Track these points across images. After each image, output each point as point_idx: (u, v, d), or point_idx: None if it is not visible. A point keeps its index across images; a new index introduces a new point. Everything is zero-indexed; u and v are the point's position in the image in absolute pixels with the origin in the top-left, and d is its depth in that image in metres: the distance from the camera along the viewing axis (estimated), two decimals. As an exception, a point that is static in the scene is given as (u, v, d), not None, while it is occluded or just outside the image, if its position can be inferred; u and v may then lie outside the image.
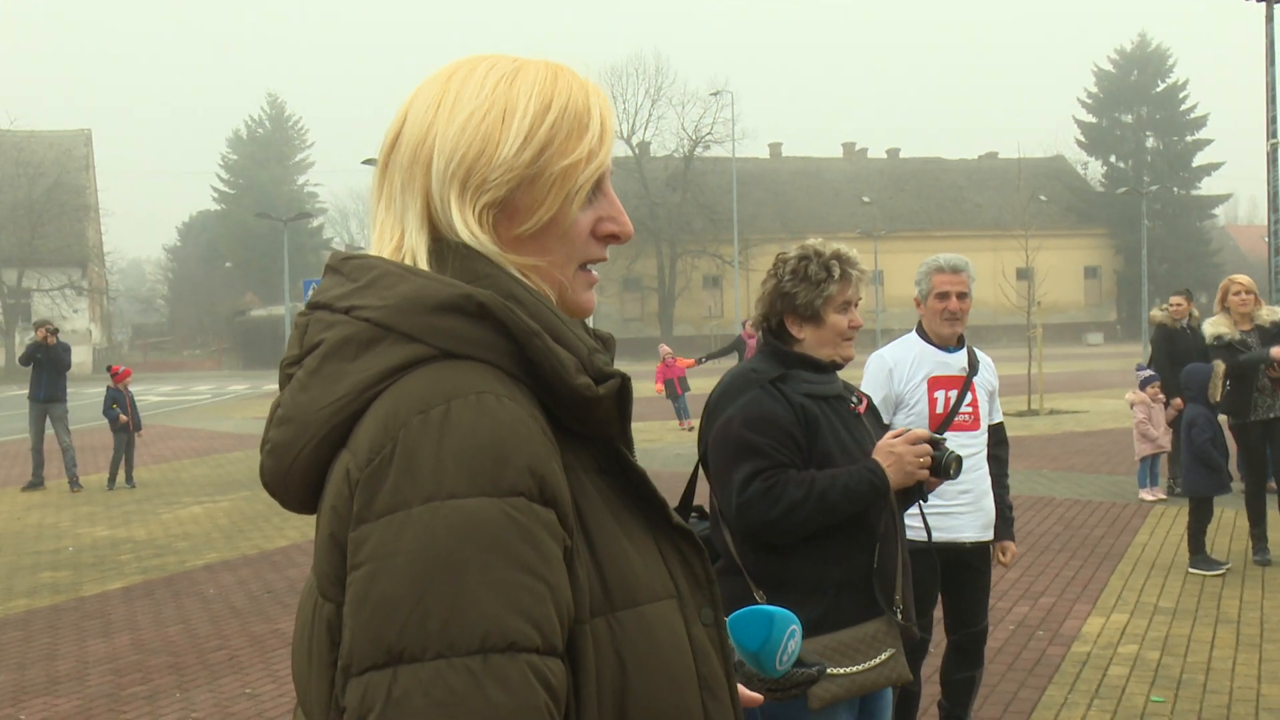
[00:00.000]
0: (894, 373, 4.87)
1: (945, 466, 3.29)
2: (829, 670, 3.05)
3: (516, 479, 1.21)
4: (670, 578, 1.37)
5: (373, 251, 1.40)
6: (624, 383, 1.35)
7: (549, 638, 1.20)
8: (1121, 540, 10.21)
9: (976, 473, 4.87)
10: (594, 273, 1.46)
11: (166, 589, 9.45)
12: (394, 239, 1.38)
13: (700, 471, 3.33)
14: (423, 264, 1.34)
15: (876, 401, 4.88)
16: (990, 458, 4.99)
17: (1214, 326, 9.34)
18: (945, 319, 4.89)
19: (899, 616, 3.27)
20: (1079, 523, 11.12)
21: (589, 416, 1.33)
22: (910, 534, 4.80)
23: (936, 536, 4.82)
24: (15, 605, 9.01)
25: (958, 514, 4.83)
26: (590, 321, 1.51)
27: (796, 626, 1.75)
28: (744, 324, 20.95)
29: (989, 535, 4.97)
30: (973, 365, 4.97)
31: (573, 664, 1.26)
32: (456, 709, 1.14)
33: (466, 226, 1.35)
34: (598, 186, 1.42)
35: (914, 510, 4.84)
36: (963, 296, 4.89)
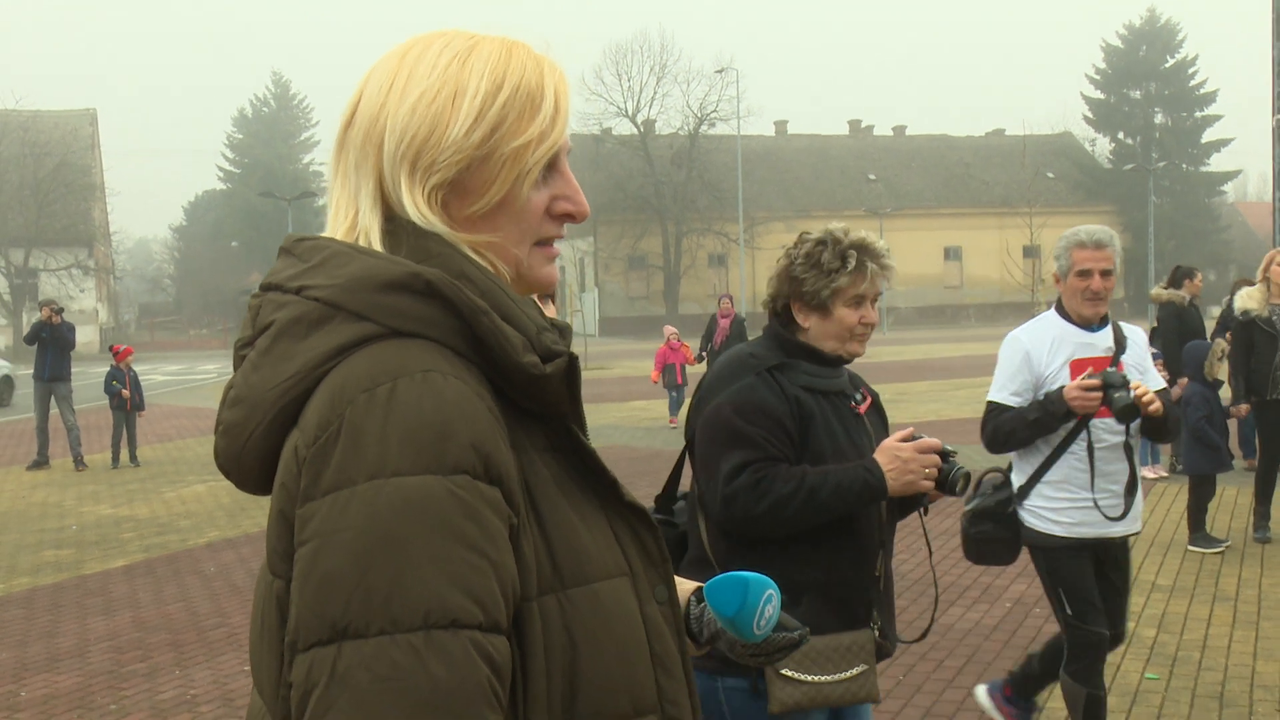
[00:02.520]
0: (1031, 356, 4.57)
1: (952, 482, 3.04)
2: (800, 676, 2.91)
3: (460, 456, 1.22)
4: (623, 556, 1.38)
5: (328, 230, 1.41)
6: (571, 362, 1.35)
7: (492, 614, 1.20)
8: (1122, 517, 10.19)
9: (1121, 463, 4.54)
10: (554, 247, 1.46)
11: (168, 567, 9.49)
12: (348, 218, 1.39)
13: (686, 458, 3.18)
14: (376, 243, 1.35)
15: (1012, 388, 4.57)
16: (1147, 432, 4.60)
17: (1243, 300, 9.14)
18: (1086, 299, 4.53)
19: (876, 633, 3.07)
20: (1080, 500, 11.09)
21: (538, 395, 1.34)
22: (1058, 528, 4.57)
23: (1081, 531, 4.55)
24: (19, 583, 9.06)
25: (1104, 506, 4.53)
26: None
27: (774, 591, 1.76)
28: (720, 300, 19.40)
29: (1137, 527, 4.66)
30: (1120, 343, 4.59)
31: (520, 641, 1.27)
32: (399, 684, 1.15)
33: (416, 207, 1.35)
34: (552, 166, 1.41)
35: (1046, 504, 4.59)
36: (1106, 274, 4.51)
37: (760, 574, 1.76)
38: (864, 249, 3.09)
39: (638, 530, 1.42)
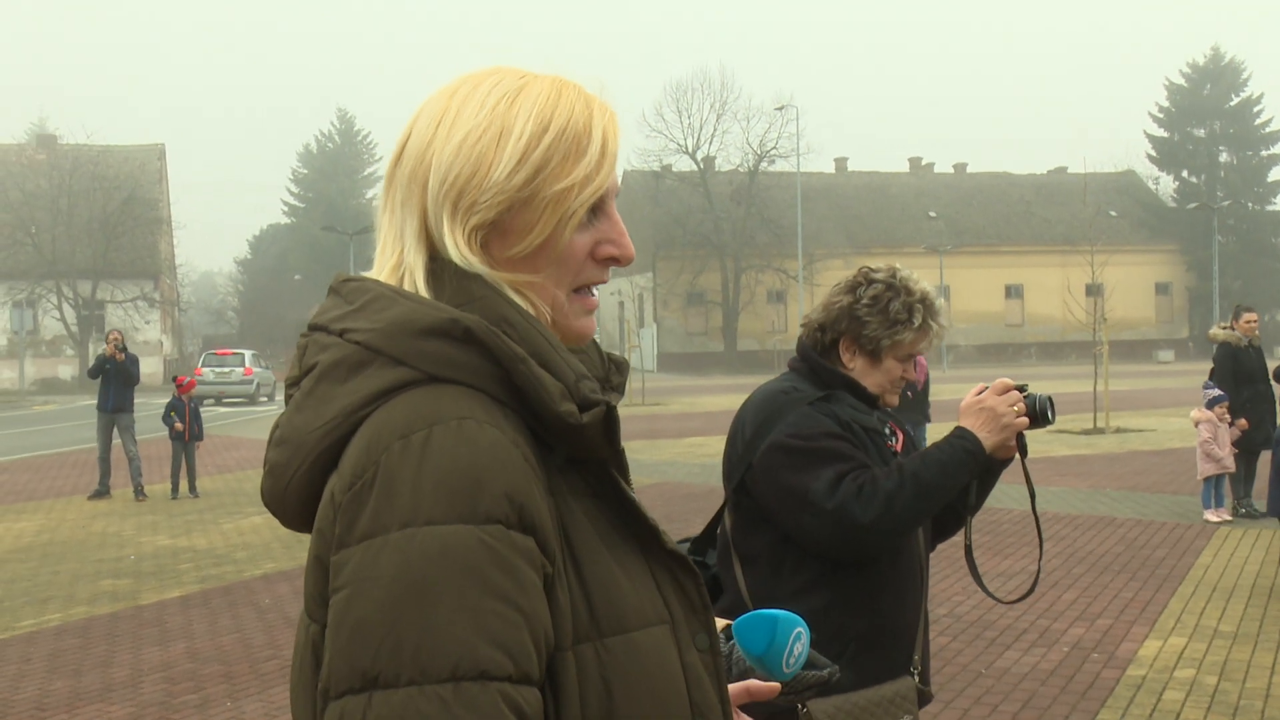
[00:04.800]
0: None
1: (1042, 411, 2.90)
2: None
3: (494, 506, 1.21)
4: (663, 603, 1.36)
5: (375, 266, 1.41)
6: (609, 412, 1.33)
7: (523, 666, 1.19)
8: (1184, 562, 10.03)
9: None
10: (593, 297, 1.44)
11: (223, 598, 9.56)
12: (394, 255, 1.39)
13: (726, 510, 3.05)
14: (420, 282, 1.34)
15: None
16: None
17: None
18: None
19: (916, 679, 2.96)
20: (1140, 543, 10.95)
21: (576, 442, 1.32)
22: None
23: None
24: (76, 612, 9.15)
25: None
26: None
27: (803, 629, 1.74)
28: None
29: None
30: None
31: (555, 691, 1.25)
32: None
33: (456, 247, 1.34)
34: (598, 209, 1.40)
35: None
36: None
37: (789, 611, 1.75)
38: (929, 306, 3.02)
39: (678, 577, 1.39)
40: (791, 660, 1.74)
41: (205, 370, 42.07)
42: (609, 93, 1.44)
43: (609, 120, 1.40)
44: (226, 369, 42.65)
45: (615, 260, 1.43)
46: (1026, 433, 2.97)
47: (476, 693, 1.16)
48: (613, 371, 1.49)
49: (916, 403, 15.91)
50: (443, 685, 1.15)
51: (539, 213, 1.35)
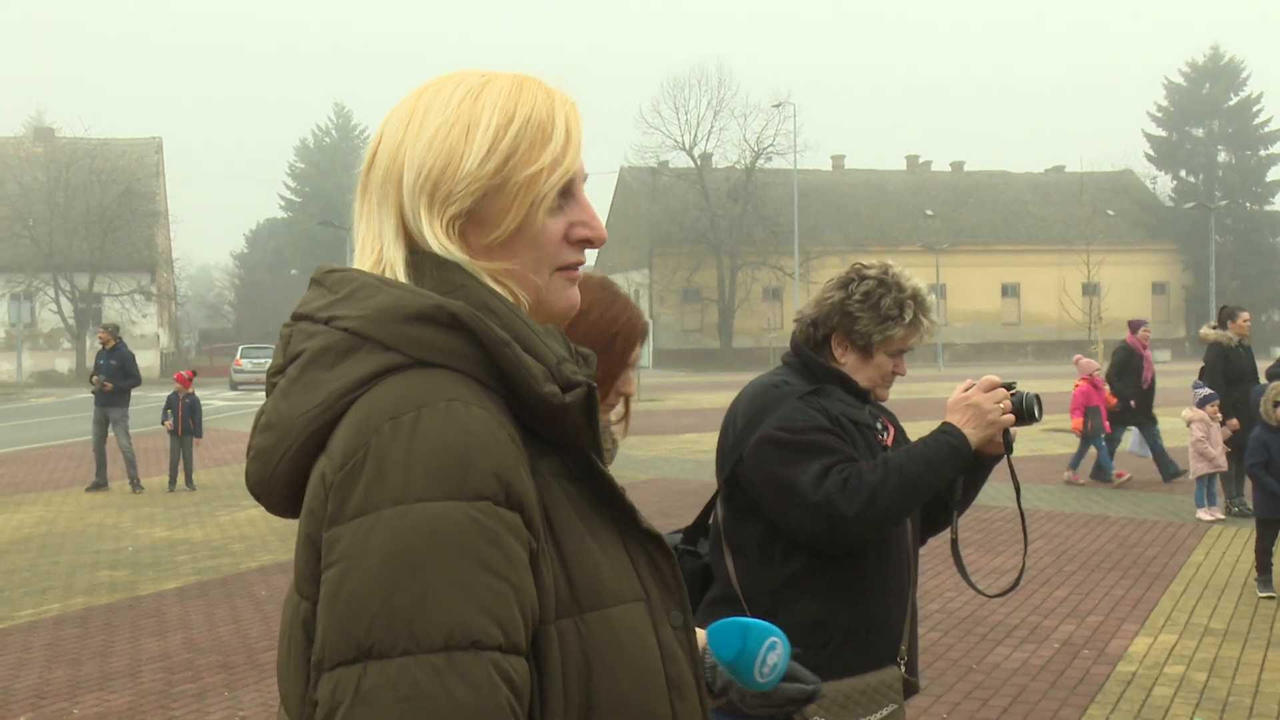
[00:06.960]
0: None
1: (1028, 409, 2.94)
2: None
3: (482, 483, 1.26)
4: (639, 581, 1.41)
5: (355, 265, 1.46)
6: (590, 391, 1.39)
7: (512, 636, 1.24)
8: (1175, 560, 10.10)
9: None
10: (576, 271, 1.49)
11: (220, 590, 9.61)
12: (374, 253, 1.44)
13: (718, 501, 3.11)
14: (400, 275, 1.39)
15: None
16: None
17: None
18: None
19: (903, 669, 2.99)
20: (1133, 541, 11.01)
21: (558, 424, 1.37)
22: None
23: None
24: (74, 603, 9.20)
25: None
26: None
27: (778, 639, 1.73)
28: (1138, 328, 15.10)
29: None
30: None
31: (538, 663, 1.30)
32: (421, 704, 1.19)
33: (436, 238, 1.40)
34: (567, 192, 1.46)
35: None
36: None
37: (767, 622, 1.76)
38: (920, 302, 3.06)
39: (653, 556, 1.45)
40: (765, 670, 1.73)
41: (244, 361, 49.20)
42: (568, 85, 1.50)
43: (570, 109, 1.46)
44: (263, 360, 48.49)
45: (589, 242, 1.48)
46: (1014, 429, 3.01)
47: (469, 661, 1.20)
48: (581, 364, 1.53)
49: (1142, 406, 14.79)
50: (436, 654, 1.20)
51: (512, 198, 1.40)
